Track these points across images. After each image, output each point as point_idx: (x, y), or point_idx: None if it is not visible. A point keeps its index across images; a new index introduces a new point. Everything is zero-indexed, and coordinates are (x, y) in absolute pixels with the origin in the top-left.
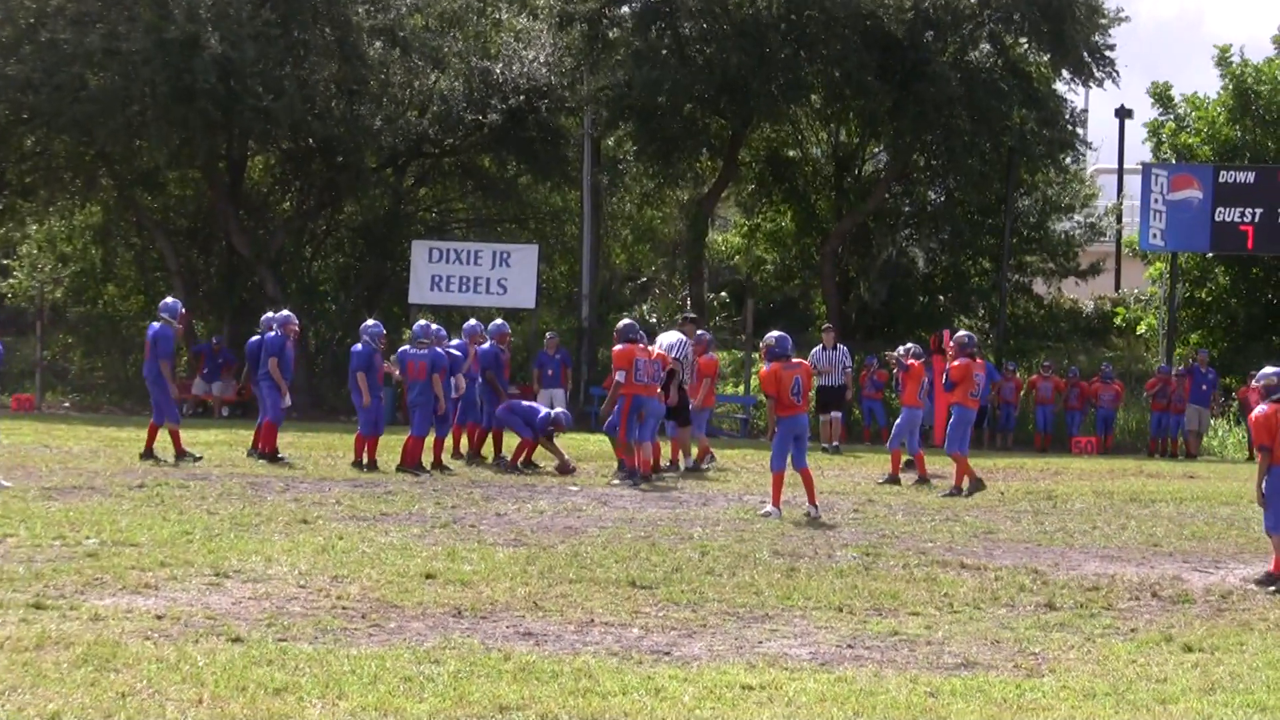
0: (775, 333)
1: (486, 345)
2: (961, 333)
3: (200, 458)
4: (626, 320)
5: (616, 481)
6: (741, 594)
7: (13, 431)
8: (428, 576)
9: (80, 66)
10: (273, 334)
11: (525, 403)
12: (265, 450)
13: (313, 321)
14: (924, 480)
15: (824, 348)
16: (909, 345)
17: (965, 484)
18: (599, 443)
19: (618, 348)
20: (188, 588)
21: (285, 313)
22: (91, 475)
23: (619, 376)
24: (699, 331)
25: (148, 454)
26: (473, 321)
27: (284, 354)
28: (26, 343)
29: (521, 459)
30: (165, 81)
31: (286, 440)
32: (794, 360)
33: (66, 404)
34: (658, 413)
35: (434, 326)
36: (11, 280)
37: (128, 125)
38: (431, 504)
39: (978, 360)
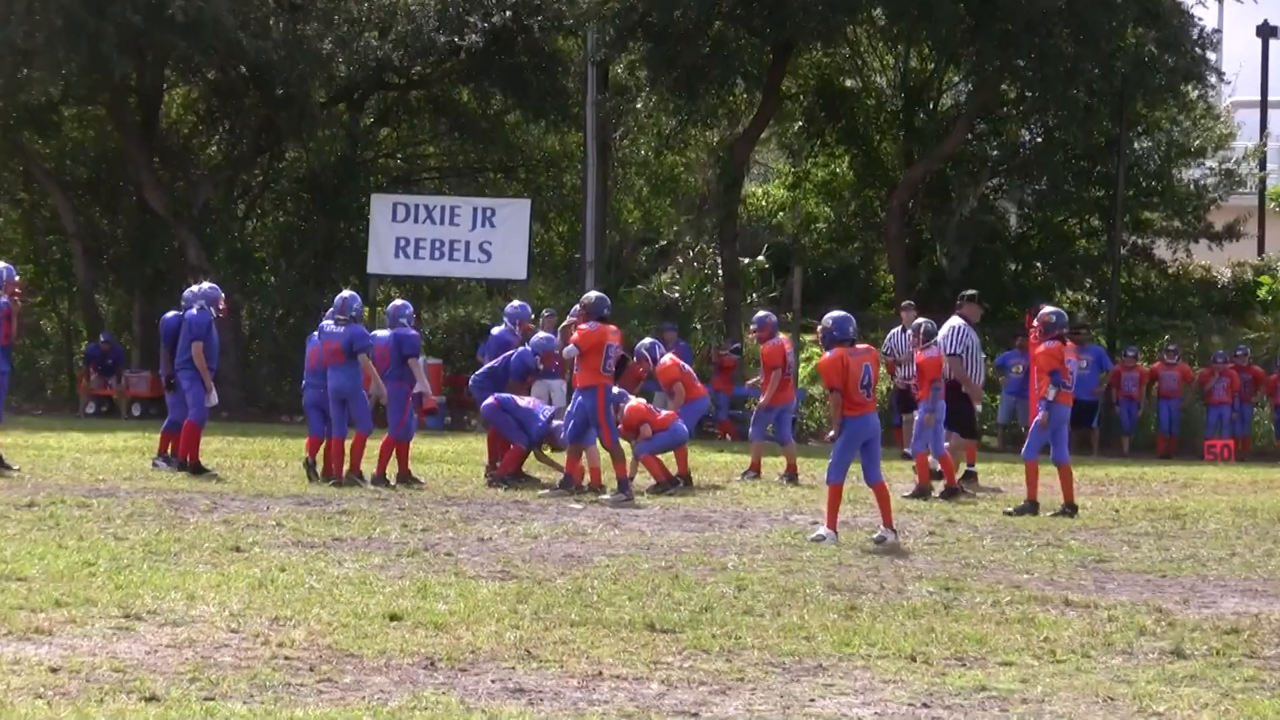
0: (835, 313)
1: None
2: (1048, 309)
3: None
4: (597, 293)
5: (608, 498)
6: (788, 639)
7: None
8: (392, 618)
9: None
10: (195, 312)
11: (523, 401)
12: (188, 459)
13: (247, 297)
14: (954, 490)
15: (903, 329)
16: (919, 321)
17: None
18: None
19: (588, 325)
20: (90, 633)
21: (210, 285)
22: None
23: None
24: (760, 313)
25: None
26: (517, 303)
27: (210, 337)
28: None
29: (510, 470)
30: None
31: (214, 446)
32: (860, 345)
33: None
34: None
35: (399, 303)
36: None
37: (12, 48)
38: (397, 526)
39: (1069, 344)
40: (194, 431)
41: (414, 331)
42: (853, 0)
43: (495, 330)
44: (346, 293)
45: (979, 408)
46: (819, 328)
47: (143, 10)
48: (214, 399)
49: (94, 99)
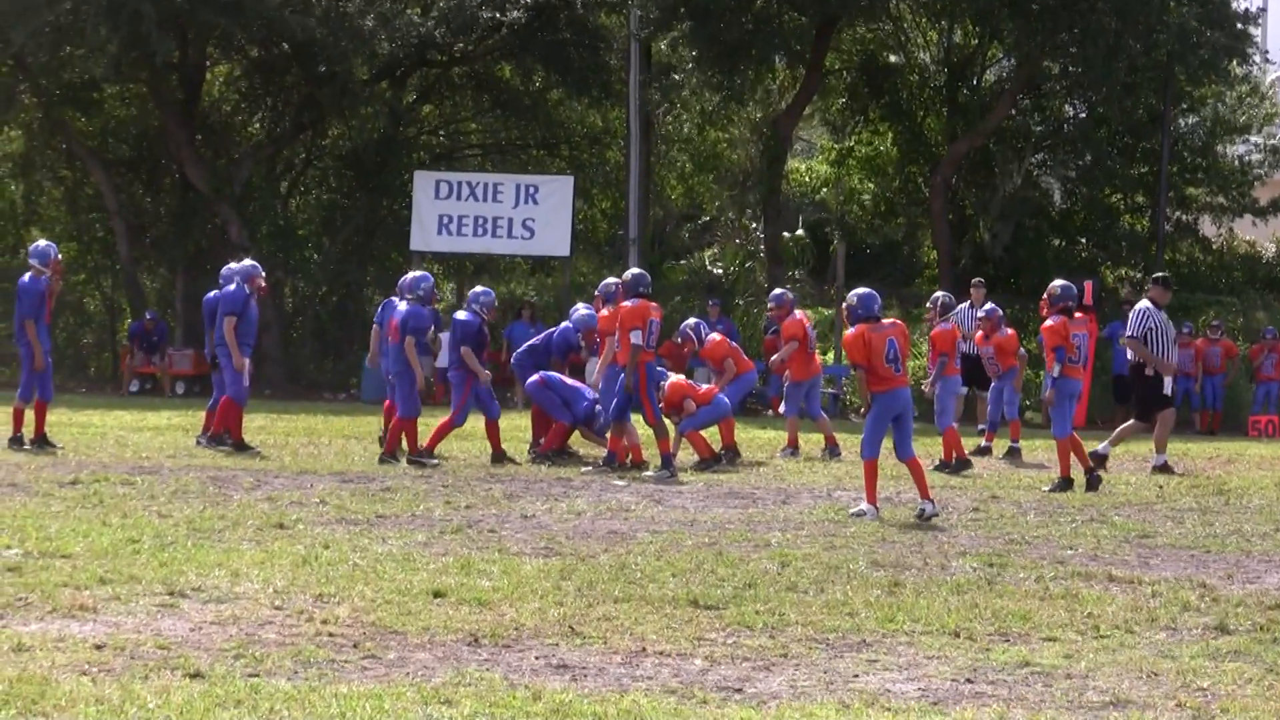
0: (859, 290)
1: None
2: (1056, 282)
3: (57, 446)
4: (637, 270)
5: (651, 475)
6: (832, 615)
7: None
8: (436, 595)
9: None
10: (233, 288)
11: (569, 380)
12: (231, 437)
13: (289, 274)
14: (956, 463)
15: (971, 306)
16: (937, 295)
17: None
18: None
19: (630, 303)
20: (134, 610)
21: (249, 263)
22: (12, 469)
23: (635, 338)
24: (777, 290)
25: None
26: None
27: (247, 314)
28: None
29: (555, 446)
30: None
31: (257, 424)
32: (885, 321)
33: None
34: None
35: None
36: None
37: (54, 26)
38: (440, 504)
39: (1077, 316)
40: (231, 409)
41: (424, 309)
42: None
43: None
44: (416, 272)
45: (1169, 388)
46: (844, 304)
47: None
48: (246, 378)
49: (135, 77)
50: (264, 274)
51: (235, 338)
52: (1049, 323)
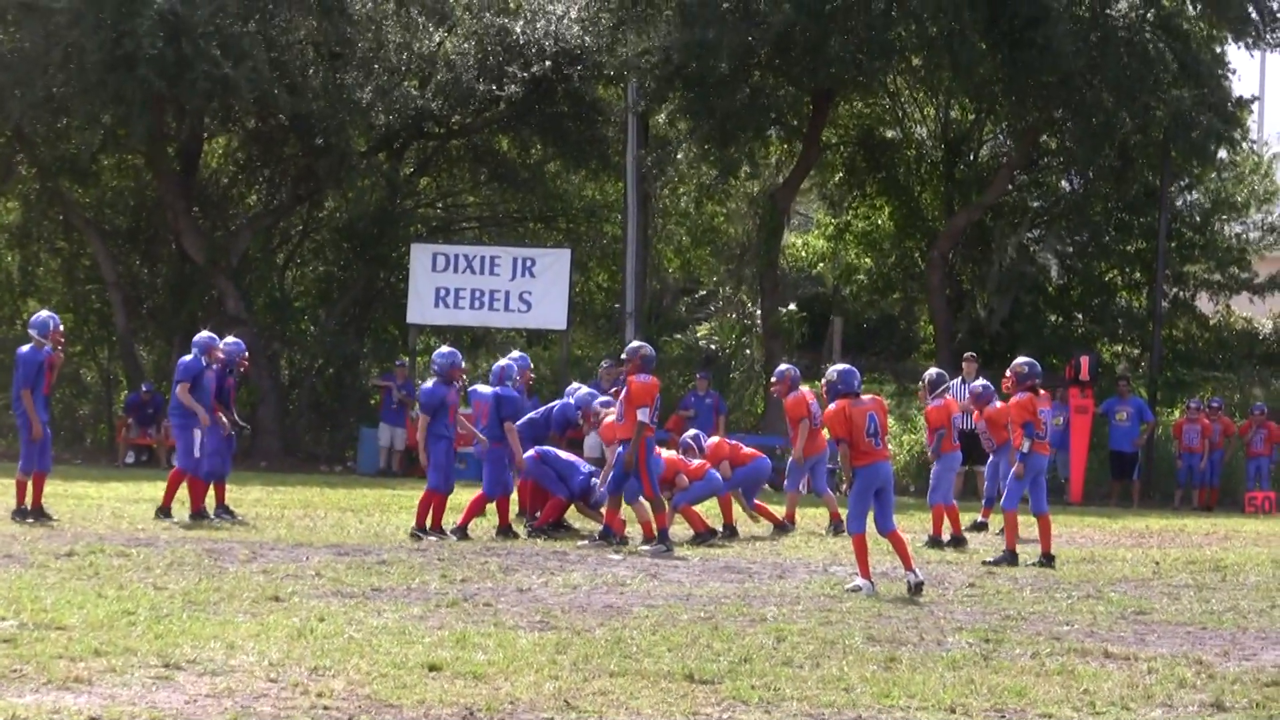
0: (838, 365)
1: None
2: (1020, 360)
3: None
4: (644, 344)
5: (647, 549)
6: (828, 690)
7: None
8: (432, 668)
9: None
10: (188, 358)
11: (564, 455)
12: (193, 509)
13: (286, 346)
14: (952, 540)
15: (964, 380)
16: (929, 372)
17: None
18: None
19: (641, 378)
20: (129, 682)
21: (206, 335)
22: (7, 540)
23: (642, 415)
24: (781, 366)
25: (164, 511)
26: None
27: (200, 383)
28: None
29: (550, 521)
30: (96, 46)
31: (253, 496)
32: (864, 396)
33: None
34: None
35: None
36: None
37: (50, 99)
38: (436, 577)
39: (1042, 393)
40: (177, 479)
41: (515, 393)
42: (888, 48)
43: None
44: (505, 360)
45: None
46: (824, 380)
47: (167, 74)
48: (196, 449)
49: (132, 148)
50: (219, 344)
51: (192, 400)
52: (1017, 398)
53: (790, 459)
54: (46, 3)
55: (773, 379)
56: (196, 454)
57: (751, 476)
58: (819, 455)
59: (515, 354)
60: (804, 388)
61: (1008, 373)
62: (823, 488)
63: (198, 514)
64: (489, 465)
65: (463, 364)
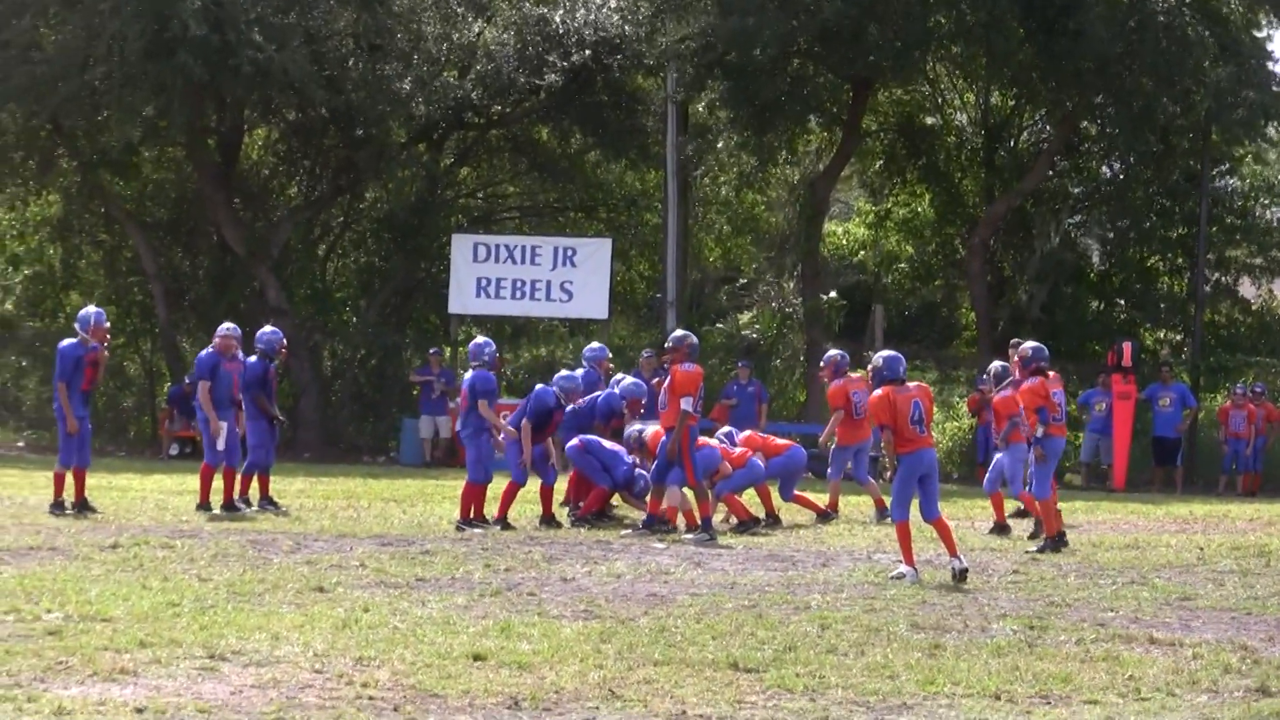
0: (884, 352)
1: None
2: (1027, 343)
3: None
4: (688, 333)
5: (690, 537)
6: (872, 678)
7: None
8: (476, 658)
9: (33, 18)
10: (207, 352)
11: (608, 445)
12: (224, 500)
13: (328, 337)
14: (1007, 527)
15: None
16: (996, 364)
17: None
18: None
19: (685, 368)
20: (174, 673)
21: (227, 325)
22: (52, 533)
23: (685, 404)
24: (830, 351)
25: (204, 505)
26: (596, 345)
27: (217, 375)
28: None
29: (594, 510)
30: (138, 34)
31: (296, 488)
32: (910, 383)
33: (20, 443)
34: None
35: (480, 340)
36: None
37: (90, 91)
38: (480, 566)
39: (1051, 375)
40: (208, 474)
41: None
42: (927, 35)
43: (577, 373)
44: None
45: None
46: (869, 367)
47: (209, 60)
48: (221, 442)
49: (172, 140)
50: (238, 336)
51: (210, 401)
52: (1027, 384)
53: (833, 447)
54: None
55: (820, 364)
56: (221, 447)
57: (786, 467)
58: (862, 443)
59: (595, 345)
60: (853, 374)
61: (1015, 358)
62: (864, 477)
63: (229, 505)
64: (507, 453)
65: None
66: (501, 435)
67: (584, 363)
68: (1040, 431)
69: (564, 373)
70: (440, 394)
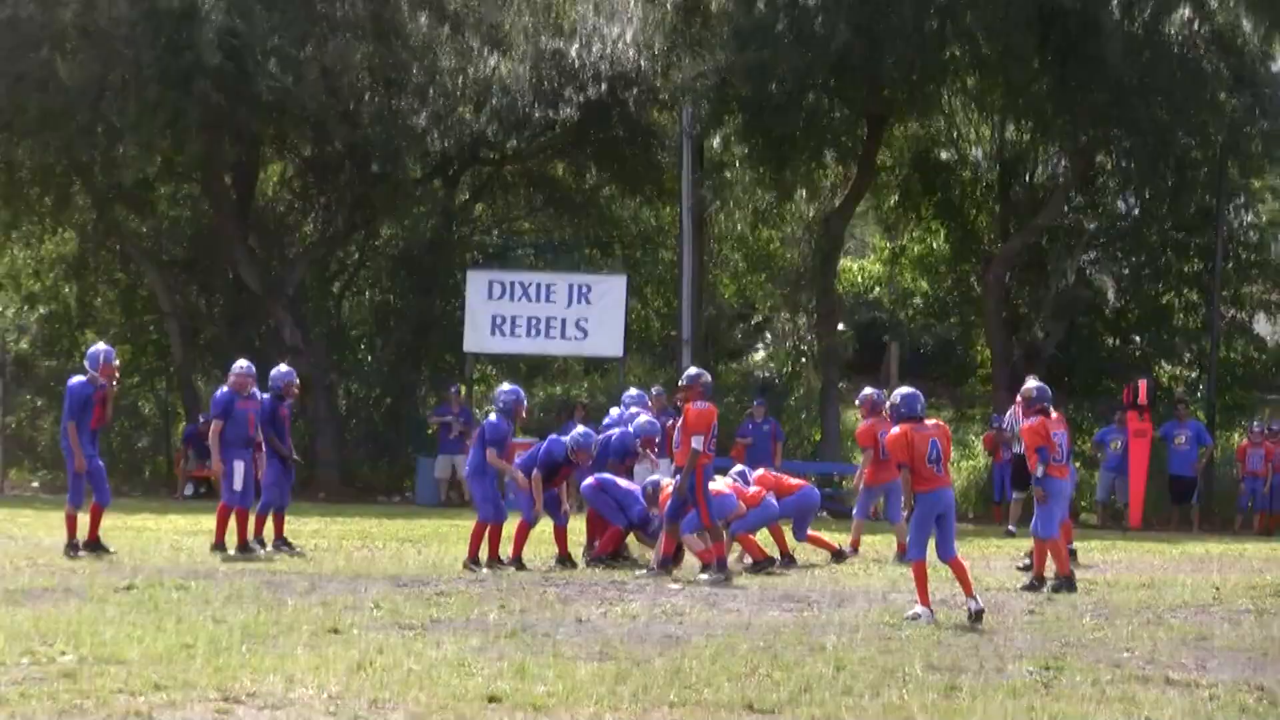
0: (902, 389)
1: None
2: (1031, 383)
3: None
4: (702, 371)
5: (705, 578)
6: (888, 719)
7: None
8: (491, 700)
9: (49, 50)
10: (222, 391)
11: (623, 484)
12: (238, 541)
13: (343, 376)
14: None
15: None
16: (1030, 384)
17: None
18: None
19: (698, 405)
20: (189, 716)
21: (242, 362)
22: (66, 574)
23: (696, 443)
24: (866, 389)
25: (219, 545)
26: (635, 391)
27: (232, 414)
28: None
29: (609, 551)
30: (153, 63)
31: (311, 528)
32: (928, 422)
33: (35, 484)
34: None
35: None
36: None
37: (106, 125)
38: (495, 608)
39: (1054, 415)
40: (224, 514)
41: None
42: (943, 69)
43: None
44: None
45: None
46: (888, 404)
47: (226, 89)
48: (237, 482)
49: (188, 177)
50: (252, 374)
51: (217, 442)
52: (1028, 423)
53: (860, 486)
54: (107, 27)
55: (857, 401)
56: (238, 487)
57: (800, 506)
58: (893, 482)
59: (633, 391)
60: (871, 419)
61: (1018, 398)
62: (896, 516)
63: (243, 546)
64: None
65: (525, 402)
66: (507, 478)
67: (622, 404)
68: (1040, 471)
69: (581, 429)
70: (458, 433)
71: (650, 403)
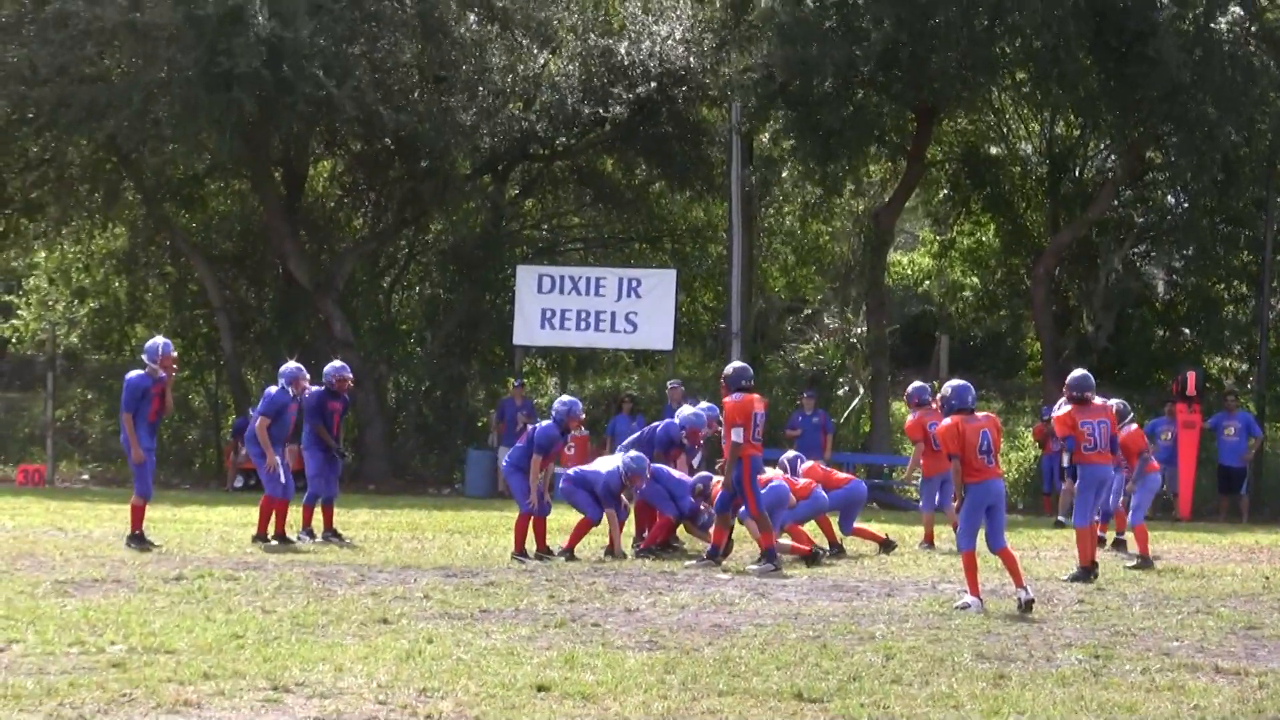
0: (953, 381)
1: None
2: (1077, 372)
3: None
4: (738, 364)
5: (754, 568)
6: (937, 708)
7: (19, 511)
8: (540, 689)
9: (96, 46)
10: (275, 390)
11: (675, 473)
12: (276, 531)
13: (393, 369)
14: (1149, 559)
15: None
16: (1113, 403)
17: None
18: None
19: (733, 398)
20: (238, 705)
21: (293, 366)
22: (116, 565)
23: (735, 435)
24: (915, 383)
25: (260, 536)
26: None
27: (283, 418)
28: (34, 400)
29: (659, 540)
30: (193, 63)
31: (361, 519)
32: (979, 413)
33: (85, 476)
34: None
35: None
36: (15, 321)
37: (155, 122)
38: (544, 597)
39: (1093, 402)
40: (268, 507)
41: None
42: (992, 64)
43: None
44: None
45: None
46: (939, 396)
47: (263, 96)
48: (280, 476)
49: (237, 173)
50: (306, 376)
51: (268, 437)
52: (1058, 413)
53: (919, 479)
54: (150, 19)
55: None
56: (282, 479)
57: (847, 499)
58: (945, 474)
59: (704, 405)
60: (918, 413)
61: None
62: (947, 503)
63: (281, 536)
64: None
65: (581, 414)
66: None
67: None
68: (1065, 460)
69: (692, 409)
70: (523, 426)
71: (669, 395)
